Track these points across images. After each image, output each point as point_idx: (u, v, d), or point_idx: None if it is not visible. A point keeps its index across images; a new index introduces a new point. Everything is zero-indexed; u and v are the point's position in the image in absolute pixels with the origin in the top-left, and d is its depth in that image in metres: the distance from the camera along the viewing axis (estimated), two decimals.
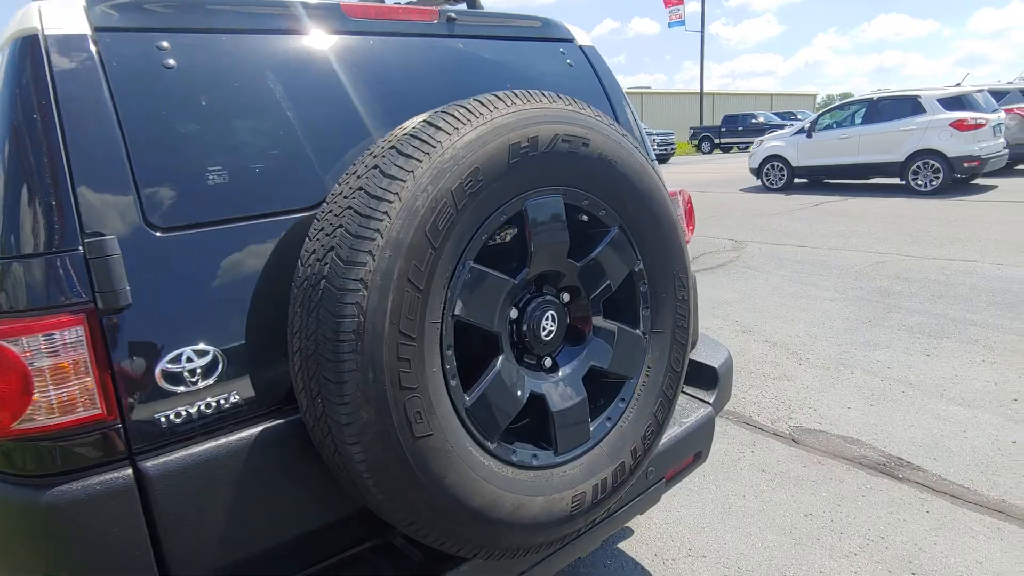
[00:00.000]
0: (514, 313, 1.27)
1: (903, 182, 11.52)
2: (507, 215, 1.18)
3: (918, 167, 11.19)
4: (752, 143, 15.15)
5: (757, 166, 13.78)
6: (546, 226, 1.24)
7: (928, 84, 12.27)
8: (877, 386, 3.79)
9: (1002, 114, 11.56)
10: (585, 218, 1.33)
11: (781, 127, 18.17)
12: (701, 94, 36.83)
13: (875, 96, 12.23)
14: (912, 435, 3.21)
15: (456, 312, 1.13)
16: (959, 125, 10.65)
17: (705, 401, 1.99)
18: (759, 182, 13.88)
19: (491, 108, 1.16)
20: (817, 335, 4.68)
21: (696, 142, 31.41)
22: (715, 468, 3.04)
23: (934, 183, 11.04)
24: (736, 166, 17.44)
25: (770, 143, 13.76)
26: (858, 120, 12.23)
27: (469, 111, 1.14)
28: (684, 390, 2.08)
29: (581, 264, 1.33)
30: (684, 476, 1.96)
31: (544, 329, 1.29)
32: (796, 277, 6.31)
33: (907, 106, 11.46)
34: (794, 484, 2.88)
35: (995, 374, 3.81)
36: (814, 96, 57.51)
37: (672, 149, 25.28)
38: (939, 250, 6.98)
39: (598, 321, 1.38)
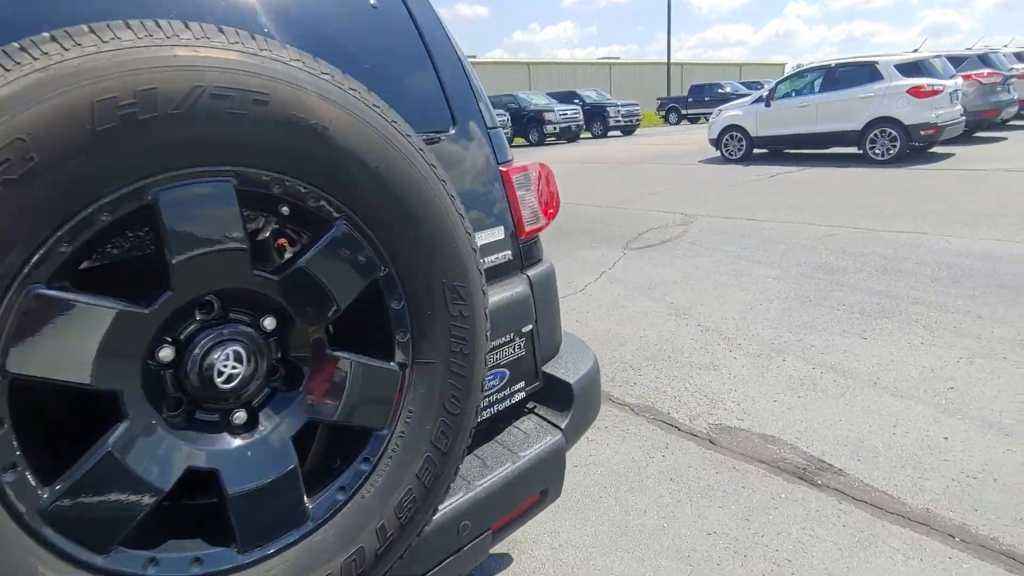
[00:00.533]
0: (168, 354, 0.87)
1: (861, 151, 11.27)
2: (114, 213, 0.77)
3: (875, 135, 10.92)
4: None
5: (716, 137, 13.42)
6: (200, 226, 0.83)
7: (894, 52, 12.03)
8: (808, 375, 3.49)
9: (959, 80, 11.32)
10: (286, 210, 0.92)
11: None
12: (668, 64, 36.27)
13: (833, 63, 11.90)
14: (838, 432, 2.91)
15: (12, 368, 0.72)
16: (916, 92, 10.37)
17: (556, 425, 1.63)
18: (718, 153, 13.54)
19: (65, 46, 0.74)
20: (754, 318, 4.37)
21: (663, 113, 30.98)
22: (619, 478, 2.71)
23: (891, 152, 10.79)
24: (700, 137, 17.03)
25: (728, 112, 13.38)
26: (816, 88, 11.90)
27: (21, 50, 0.72)
28: (537, 411, 1.72)
29: (281, 277, 0.92)
30: (526, 520, 1.59)
31: (221, 374, 0.89)
32: (742, 253, 6.00)
33: (865, 73, 11.15)
34: (703, 496, 2.55)
35: (933, 358, 3.53)
36: (783, 66, 57.11)
37: (637, 120, 24.82)
38: (889, 222, 6.72)
39: (321, 355, 0.98)
